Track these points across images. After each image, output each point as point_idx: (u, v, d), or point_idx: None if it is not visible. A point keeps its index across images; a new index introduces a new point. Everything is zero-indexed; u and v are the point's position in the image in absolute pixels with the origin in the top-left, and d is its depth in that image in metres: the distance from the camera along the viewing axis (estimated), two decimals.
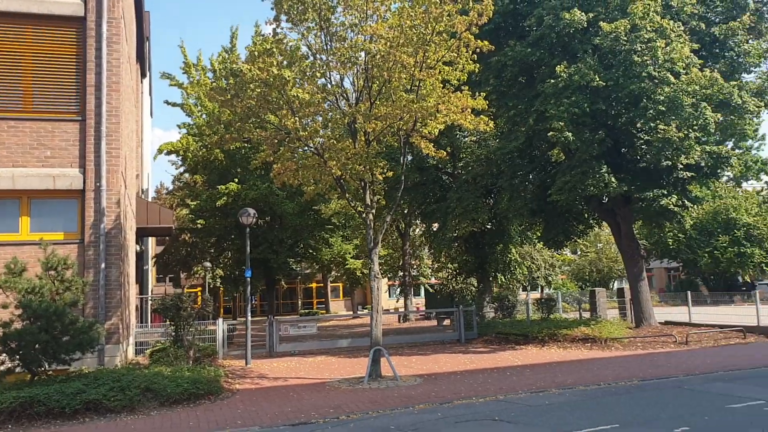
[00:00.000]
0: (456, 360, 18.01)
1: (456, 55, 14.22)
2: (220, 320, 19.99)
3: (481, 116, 14.70)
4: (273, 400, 12.56)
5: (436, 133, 14.81)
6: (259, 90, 13.56)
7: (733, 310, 29.25)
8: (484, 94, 15.05)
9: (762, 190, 55.42)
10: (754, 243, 43.03)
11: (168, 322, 17.74)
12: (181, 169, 35.53)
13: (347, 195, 15.31)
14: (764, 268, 45.26)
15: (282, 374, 16.27)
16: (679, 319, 24.21)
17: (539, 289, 49.53)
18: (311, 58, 14.58)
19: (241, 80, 13.79)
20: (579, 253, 56.69)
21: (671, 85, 18.47)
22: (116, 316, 14.61)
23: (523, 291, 46.06)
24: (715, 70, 19.54)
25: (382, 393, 12.86)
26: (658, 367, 14.98)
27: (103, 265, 14.36)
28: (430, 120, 14.16)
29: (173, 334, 17.12)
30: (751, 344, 18.97)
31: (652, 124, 18.77)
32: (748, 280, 47.98)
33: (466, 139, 29.92)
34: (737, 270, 44.47)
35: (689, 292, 25.65)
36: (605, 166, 19.69)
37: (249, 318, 18.11)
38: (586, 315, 26.25)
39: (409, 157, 29.26)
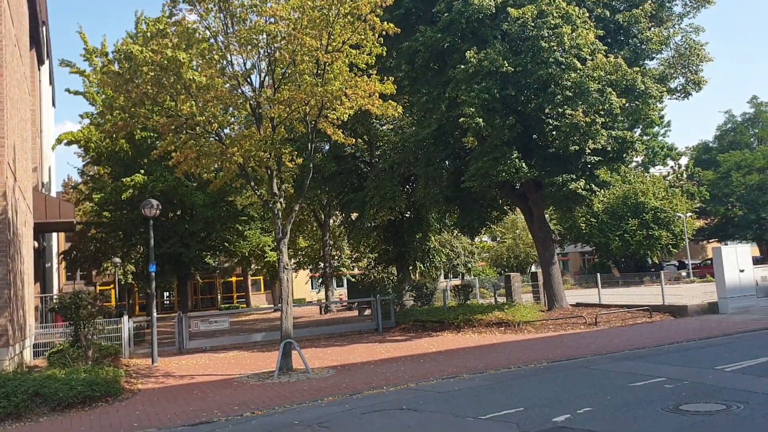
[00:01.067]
0: (372, 349, 17.79)
1: (362, 38, 13.88)
2: (125, 318, 19.08)
3: (389, 101, 14.41)
4: (175, 400, 11.98)
5: (346, 119, 14.46)
6: (153, 73, 12.82)
7: (641, 290, 30.28)
8: (393, 79, 14.73)
9: (668, 175, 57.92)
10: (662, 226, 44.74)
11: (69, 322, 16.76)
12: (87, 161, 33.86)
13: (252, 184, 14.74)
14: (671, 249, 47.19)
15: (189, 372, 15.63)
16: (590, 300, 24.82)
17: (460, 276, 50.14)
18: (212, 40, 13.94)
19: (135, 63, 13.01)
20: (497, 239, 57.69)
21: (577, 71, 18.73)
22: (4, 317, 13.61)
23: (444, 278, 46.51)
24: (620, 57, 19.95)
25: (291, 387, 12.47)
26: (567, 348, 15.19)
27: None
28: (338, 105, 13.79)
29: (73, 334, 16.16)
30: (656, 323, 19.58)
31: (560, 110, 19.01)
32: (657, 262, 49.93)
33: (383, 127, 29.74)
34: (646, 252, 46.13)
35: (599, 275, 26.34)
36: (516, 151, 19.85)
37: (154, 314, 17.36)
38: (502, 300, 26.58)
39: (326, 147, 28.90)
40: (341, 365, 15.00)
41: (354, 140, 16.09)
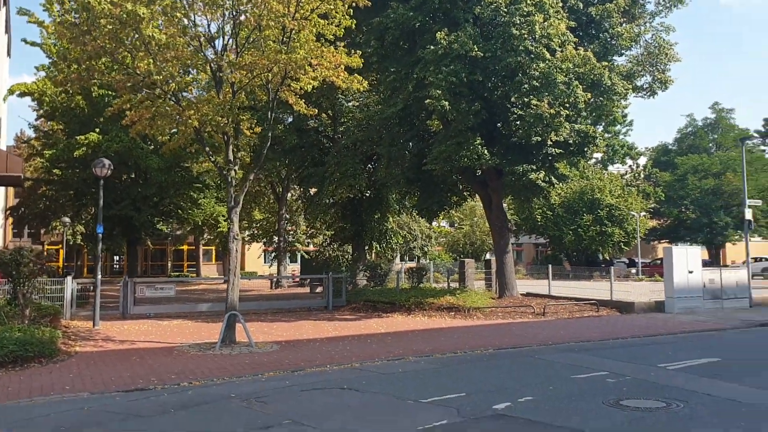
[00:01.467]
0: (320, 327, 17.60)
1: (332, 8, 13.51)
2: (69, 279, 18.51)
3: (355, 75, 14.11)
4: (112, 364, 11.63)
5: (309, 89, 14.08)
6: (111, 27, 12.26)
7: (591, 284, 30.69)
8: (360, 53, 14.40)
9: (626, 174, 58.78)
10: (615, 223, 45.40)
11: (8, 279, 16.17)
12: (40, 116, 32.65)
13: (207, 149, 14.30)
14: (622, 246, 47.97)
15: (131, 337, 15.23)
16: (541, 291, 25.04)
17: (416, 259, 50.20)
18: None
19: (93, 15, 12.41)
20: (455, 225, 57.90)
21: (546, 61, 18.66)
22: None
23: (400, 260, 46.49)
24: (589, 50, 19.94)
25: (232, 359, 12.21)
26: (514, 336, 15.24)
27: None
28: (302, 74, 13.42)
29: (11, 291, 15.60)
30: (603, 317, 19.82)
31: (525, 99, 18.93)
32: (608, 258, 50.73)
33: (349, 103, 29.31)
34: (598, 248, 46.83)
35: (550, 266, 26.60)
36: (480, 138, 19.77)
37: (99, 277, 16.86)
38: (455, 285, 26.63)
39: (289, 119, 28.36)
40: (286, 341, 14.78)
41: (316, 111, 15.71)
